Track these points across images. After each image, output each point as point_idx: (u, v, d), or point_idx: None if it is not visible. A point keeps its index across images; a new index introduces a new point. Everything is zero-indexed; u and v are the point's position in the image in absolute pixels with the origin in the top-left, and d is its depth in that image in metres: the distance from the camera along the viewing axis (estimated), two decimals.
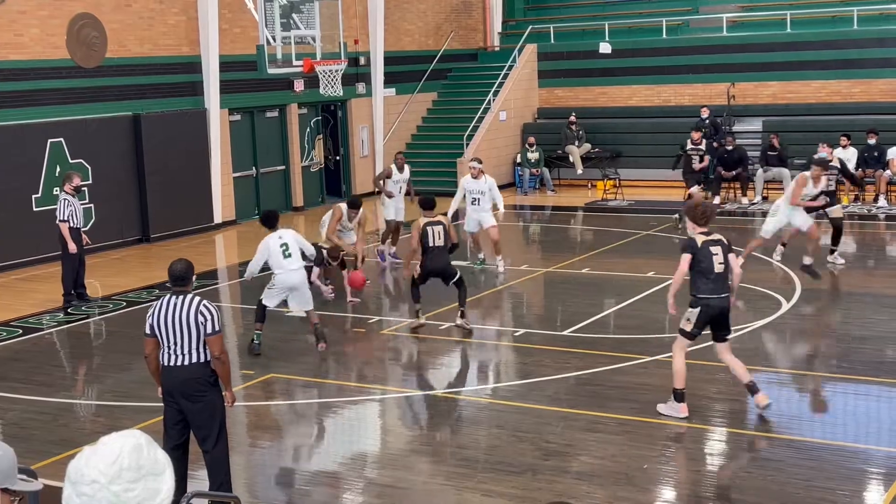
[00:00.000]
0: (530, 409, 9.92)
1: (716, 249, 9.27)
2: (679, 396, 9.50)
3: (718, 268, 9.23)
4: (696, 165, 20.40)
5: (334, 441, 9.77)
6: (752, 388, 9.51)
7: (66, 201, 14.83)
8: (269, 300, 12.35)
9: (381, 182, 17.65)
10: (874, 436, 9.24)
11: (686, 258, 9.27)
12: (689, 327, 9.39)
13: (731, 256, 9.39)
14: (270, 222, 12.29)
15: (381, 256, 17.43)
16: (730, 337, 9.61)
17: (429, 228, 12.46)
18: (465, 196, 16.45)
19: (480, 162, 16.72)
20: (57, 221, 14.82)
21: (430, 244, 12.42)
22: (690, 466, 8.57)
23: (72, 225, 14.79)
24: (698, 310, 9.30)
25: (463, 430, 9.66)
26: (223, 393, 7.61)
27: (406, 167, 17.74)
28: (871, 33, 24.43)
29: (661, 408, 9.58)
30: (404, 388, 11.06)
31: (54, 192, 17.85)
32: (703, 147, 19.33)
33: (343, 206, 14.94)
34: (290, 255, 12.00)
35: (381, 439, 9.81)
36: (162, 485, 2.63)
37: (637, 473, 8.30)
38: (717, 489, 8.08)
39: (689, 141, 19.68)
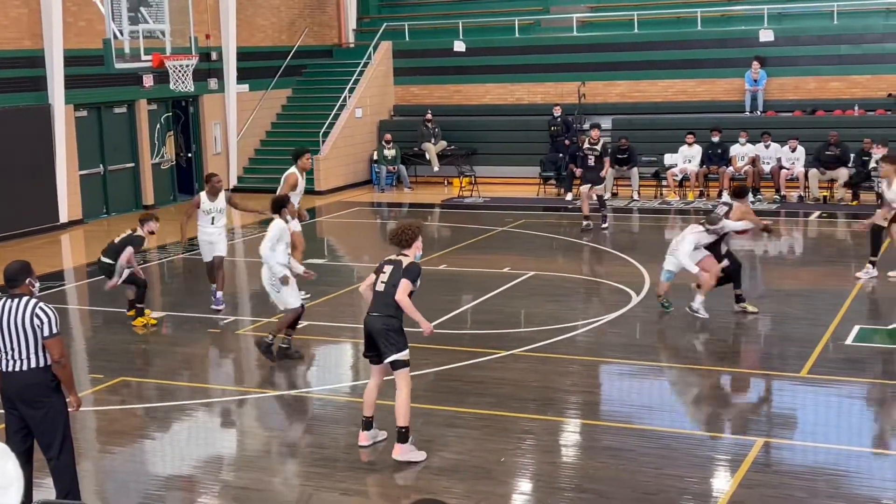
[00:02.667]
0: (389, 405, 9.91)
1: (387, 268, 8.65)
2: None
3: (380, 286, 8.60)
4: (590, 164, 20.32)
5: (188, 444, 9.56)
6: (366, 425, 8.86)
7: None
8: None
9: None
10: (720, 423, 9.58)
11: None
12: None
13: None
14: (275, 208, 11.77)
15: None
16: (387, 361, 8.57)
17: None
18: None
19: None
20: None
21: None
22: (546, 458, 8.71)
23: None
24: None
25: (321, 430, 9.58)
26: (67, 398, 7.32)
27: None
28: (714, 34, 25.33)
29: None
30: (261, 388, 10.90)
31: None
32: (598, 147, 19.58)
33: (292, 169, 14.06)
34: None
35: (238, 441, 9.65)
36: (5, 499, 2.51)
37: (495, 467, 8.40)
38: (573, 479, 8.24)
39: (586, 139, 19.96)
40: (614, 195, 22.78)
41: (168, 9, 17.61)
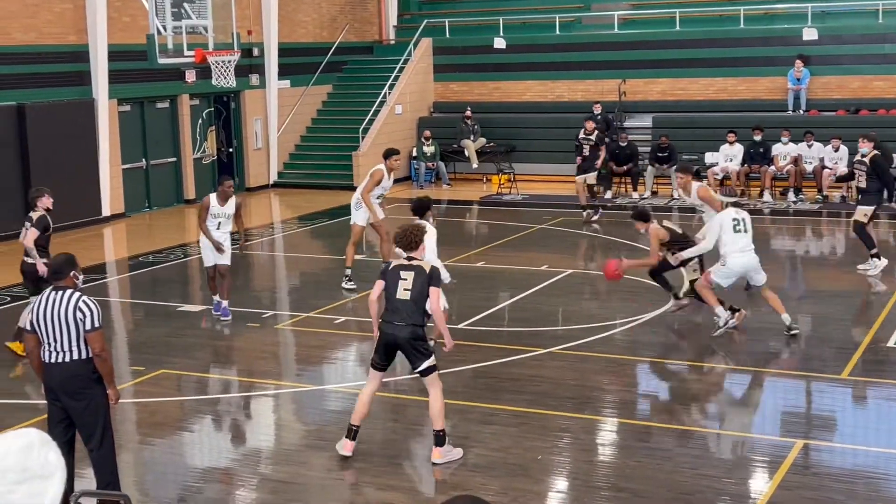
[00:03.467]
0: (426, 402, 9.93)
1: (406, 275, 8.34)
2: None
3: (403, 294, 8.28)
4: (584, 154, 20.35)
5: (227, 437, 9.64)
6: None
7: None
8: None
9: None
10: (759, 425, 9.51)
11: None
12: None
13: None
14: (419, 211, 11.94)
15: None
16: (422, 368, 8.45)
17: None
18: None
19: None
20: None
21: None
22: (583, 457, 8.70)
23: None
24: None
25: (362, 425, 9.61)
26: (107, 390, 7.42)
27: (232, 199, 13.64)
28: (757, 32, 25.12)
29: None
30: (299, 382, 10.97)
31: None
32: (593, 138, 19.58)
33: (380, 166, 14.26)
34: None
35: (275, 435, 9.72)
36: (49, 488, 2.55)
37: (531, 464, 8.40)
38: (609, 478, 8.22)
39: (582, 131, 19.95)
40: (654, 193, 22.67)
41: (211, 4, 17.73)
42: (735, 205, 12.24)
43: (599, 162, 19.85)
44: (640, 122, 25.46)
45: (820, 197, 21.41)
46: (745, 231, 11.88)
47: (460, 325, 12.62)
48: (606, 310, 13.38)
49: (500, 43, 26.42)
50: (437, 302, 8.38)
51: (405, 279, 8.32)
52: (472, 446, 8.76)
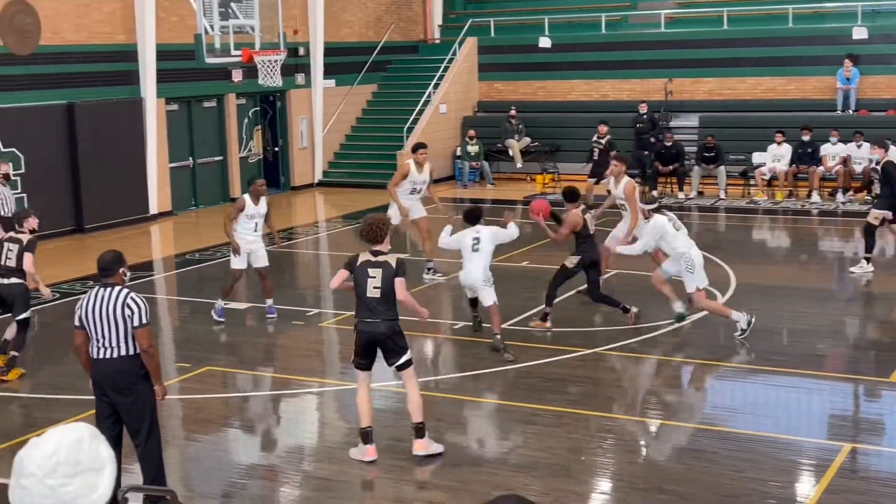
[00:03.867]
0: (468, 401, 9.94)
1: (374, 272, 8.41)
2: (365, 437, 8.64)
3: (373, 292, 8.40)
4: (594, 158, 20.25)
5: (271, 434, 9.70)
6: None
7: None
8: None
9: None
10: (805, 428, 9.41)
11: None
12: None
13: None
14: (472, 219, 11.99)
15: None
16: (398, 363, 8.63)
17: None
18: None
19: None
20: None
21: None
22: (626, 458, 8.65)
23: (2, 213, 14.51)
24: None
25: (401, 423, 9.63)
26: (154, 386, 7.50)
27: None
28: (805, 31, 24.83)
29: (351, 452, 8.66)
30: (342, 380, 11.01)
31: None
32: (604, 142, 19.51)
33: (408, 161, 14.75)
34: (477, 250, 11.70)
35: (319, 432, 9.77)
36: (100, 481, 2.59)
37: (574, 465, 8.37)
38: (653, 480, 8.16)
39: (595, 134, 19.90)
40: (700, 194, 22.49)
41: (258, 4, 17.85)
42: (657, 210, 12.17)
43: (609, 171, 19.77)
44: (686, 121, 25.27)
45: (870, 198, 21.11)
46: (681, 227, 12.13)
47: (503, 325, 12.58)
48: (652, 310, 13.29)
49: (545, 42, 26.34)
50: (405, 292, 8.53)
51: (374, 277, 8.43)
52: (515, 446, 8.75)
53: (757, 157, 22.60)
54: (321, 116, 25.85)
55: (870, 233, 14.94)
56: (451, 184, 25.65)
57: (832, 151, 21.68)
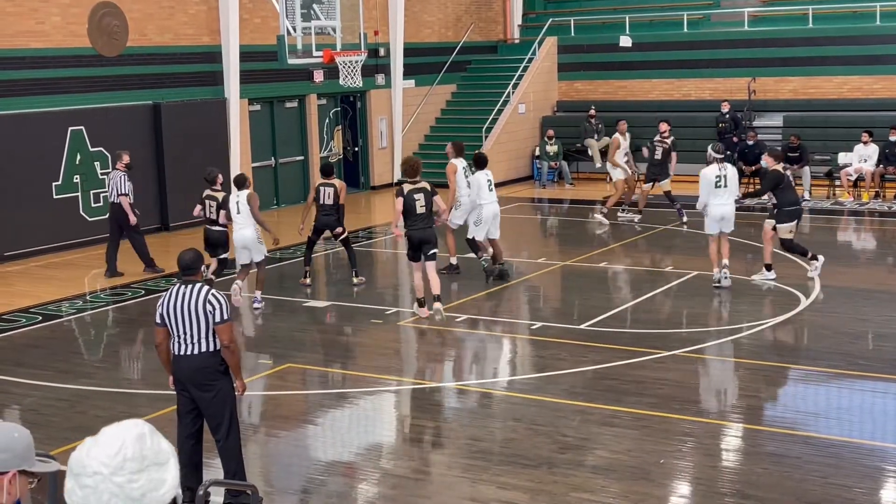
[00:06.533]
0: (547, 402, 9.91)
1: (418, 196, 12.55)
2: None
3: (420, 210, 12.54)
4: (656, 157, 19.92)
5: (350, 431, 9.78)
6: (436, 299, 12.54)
7: (124, 176, 15.88)
8: (479, 234, 15.03)
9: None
10: (892, 433, 9.19)
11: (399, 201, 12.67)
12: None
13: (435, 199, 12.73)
14: (479, 164, 15.20)
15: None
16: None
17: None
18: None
19: None
20: (117, 197, 15.81)
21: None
22: (707, 462, 8.54)
23: (130, 200, 15.86)
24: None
25: (479, 423, 9.65)
26: (234, 382, 7.61)
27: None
28: (894, 29, 24.25)
29: None
30: (420, 379, 11.06)
31: (75, 180, 18.01)
32: (668, 141, 19.20)
33: (616, 136, 18.13)
34: (491, 189, 15.05)
35: (397, 430, 9.82)
36: (166, 475, 2.58)
37: (653, 468, 8.28)
38: (734, 485, 8.05)
39: (658, 134, 19.61)
40: None
41: (339, 6, 17.99)
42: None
43: (673, 166, 19.50)
44: (769, 121, 24.87)
45: None
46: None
47: (582, 326, 12.54)
48: (734, 313, 13.11)
49: (626, 41, 26.12)
50: (441, 204, 12.99)
51: (419, 199, 12.62)
52: (592, 448, 8.70)
53: (843, 158, 22.15)
54: (401, 117, 25.98)
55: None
56: (529, 184, 25.59)
57: None
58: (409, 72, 26.00)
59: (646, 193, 19.92)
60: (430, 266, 12.65)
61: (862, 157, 21.71)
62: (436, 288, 12.67)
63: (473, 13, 28.69)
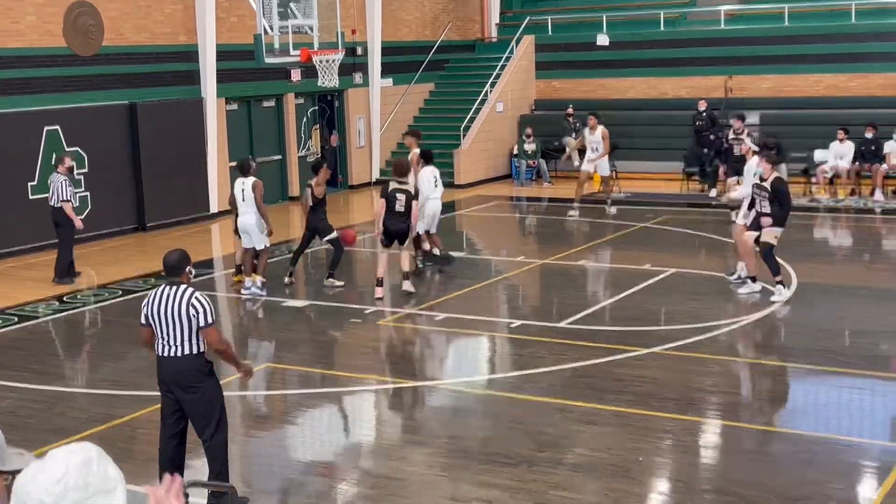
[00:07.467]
0: (526, 400, 9.93)
1: (400, 196, 13.63)
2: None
3: (399, 207, 13.66)
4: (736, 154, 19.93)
5: (329, 431, 9.77)
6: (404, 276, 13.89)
7: (66, 181, 15.45)
8: (420, 227, 15.18)
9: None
10: (868, 430, 9.26)
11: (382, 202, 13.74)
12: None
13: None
14: (426, 160, 15.74)
15: None
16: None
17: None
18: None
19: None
20: (59, 202, 15.36)
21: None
22: (686, 459, 8.58)
23: (74, 205, 15.58)
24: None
25: (458, 421, 9.66)
26: (237, 372, 7.73)
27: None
28: (869, 27, 24.43)
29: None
30: (400, 378, 11.06)
31: (49, 182, 17.87)
32: (744, 137, 19.19)
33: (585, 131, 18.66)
34: (437, 186, 15.58)
35: (377, 430, 9.82)
36: (113, 502, 2.47)
37: (633, 466, 8.31)
38: (713, 482, 8.09)
39: (731, 131, 19.65)
40: None
41: (316, 4, 17.94)
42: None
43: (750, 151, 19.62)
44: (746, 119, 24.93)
45: None
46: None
47: (561, 324, 12.57)
48: (711, 310, 13.17)
49: (603, 40, 26.19)
50: (415, 210, 13.88)
51: (400, 199, 13.70)
52: (572, 446, 8.72)
53: (819, 155, 22.27)
54: (379, 116, 25.96)
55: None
56: (507, 182, 25.62)
57: None
58: (386, 70, 25.98)
59: (734, 186, 19.76)
60: (403, 250, 13.98)
61: (838, 155, 21.84)
62: (405, 265, 14.00)
63: (451, 12, 28.69)
